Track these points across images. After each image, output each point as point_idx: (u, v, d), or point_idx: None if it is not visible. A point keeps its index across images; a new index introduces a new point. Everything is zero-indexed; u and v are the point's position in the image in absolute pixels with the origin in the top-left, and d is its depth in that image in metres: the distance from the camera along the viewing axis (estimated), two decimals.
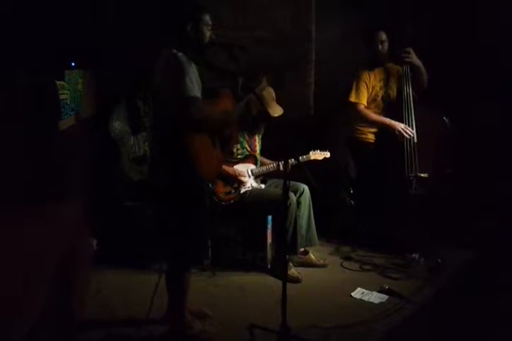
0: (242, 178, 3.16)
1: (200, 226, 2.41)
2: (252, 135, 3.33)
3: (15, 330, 1.44)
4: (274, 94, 3.22)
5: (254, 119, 3.23)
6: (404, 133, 3.33)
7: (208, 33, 2.29)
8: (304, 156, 3.30)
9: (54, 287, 1.99)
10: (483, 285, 2.85)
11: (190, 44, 2.27)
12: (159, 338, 2.38)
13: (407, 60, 3.37)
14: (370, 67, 3.54)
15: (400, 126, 3.35)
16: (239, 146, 3.27)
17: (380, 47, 3.48)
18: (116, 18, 3.49)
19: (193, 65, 2.24)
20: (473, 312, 2.58)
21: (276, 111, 3.16)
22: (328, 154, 3.39)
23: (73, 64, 2.58)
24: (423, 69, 3.41)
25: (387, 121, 3.42)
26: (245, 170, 3.24)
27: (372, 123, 3.51)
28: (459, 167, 3.43)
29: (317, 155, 3.35)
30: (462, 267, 3.18)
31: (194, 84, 2.18)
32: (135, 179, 3.37)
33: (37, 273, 1.78)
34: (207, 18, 2.29)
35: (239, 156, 3.26)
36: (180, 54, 2.20)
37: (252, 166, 3.29)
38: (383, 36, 3.47)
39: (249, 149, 3.31)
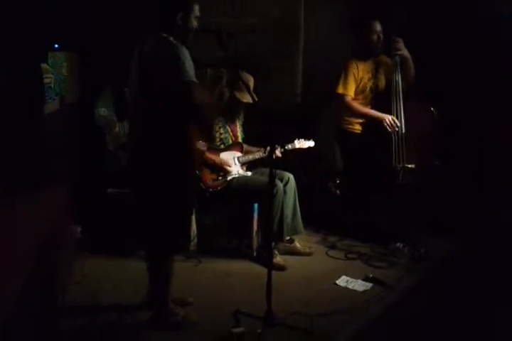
0: (228, 167, 3.15)
1: (182, 213, 2.38)
2: (232, 120, 3.30)
3: None
4: (251, 82, 3.17)
5: (231, 105, 3.20)
6: (390, 126, 3.33)
7: (195, 24, 2.30)
8: (290, 145, 3.31)
9: (37, 272, 1.96)
10: (465, 274, 2.89)
11: (178, 32, 2.26)
12: (143, 324, 2.37)
13: (397, 52, 3.35)
14: (361, 58, 3.50)
15: (387, 117, 3.35)
16: (222, 131, 3.24)
17: (374, 38, 3.41)
18: (106, 3, 3.42)
19: (185, 49, 2.22)
20: (455, 301, 2.61)
21: (246, 97, 3.12)
22: (312, 143, 3.40)
23: (57, 46, 2.52)
24: (411, 62, 3.39)
25: (374, 113, 3.41)
26: (232, 158, 3.23)
27: (359, 115, 3.51)
28: (448, 159, 3.45)
29: (302, 144, 3.36)
30: (445, 256, 3.22)
31: (191, 68, 2.16)
32: (120, 166, 3.33)
33: (14, 260, 1.75)
34: (196, 8, 2.30)
35: (223, 142, 3.24)
36: (171, 38, 2.19)
37: (239, 154, 3.27)
38: (378, 26, 3.40)
39: (231, 134, 3.29)
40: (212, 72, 3.10)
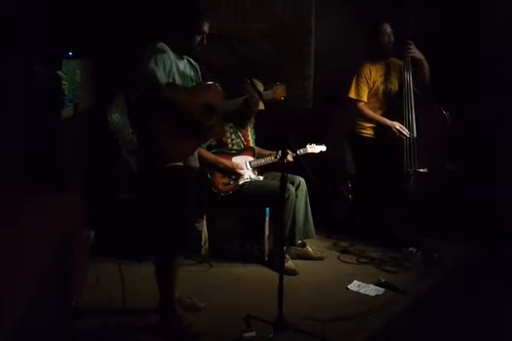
0: (240, 171, 3.17)
1: (181, 213, 2.37)
2: (243, 126, 3.32)
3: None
4: (261, 88, 3.19)
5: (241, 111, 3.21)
6: (399, 134, 3.33)
7: (197, 39, 2.32)
8: (301, 150, 3.32)
9: (51, 277, 1.99)
10: (478, 279, 2.86)
11: (179, 45, 2.31)
12: (153, 328, 2.39)
13: (409, 54, 3.35)
14: (373, 61, 3.50)
15: (395, 125, 3.35)
16: (233, 136, 3.27)
17: (385, 39, 3.42)
18: (118, 10, 3.47)
19: (170, 54, 2.25)
20: (468, 307, 2.59)
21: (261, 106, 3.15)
22: (324, 148, 3.40)
23: (71, 54, 2.57)
24: (425, 62, 3.38)
25: (384, 120, 3.41)
26: (243, 162, 3.24)
27: (370, 121, 3.51)
28: (462, 164, 3.42)
29: (314, 148, 3.36)
30: (458, 261, 3.19)
31: (159, 68, 2.18)
32: (133, 171, 3.37)
33: (29, 263, 1.78)
34: (205, 26, 2.30)
35: (234, 147, 3.27)
36: (161, 44, 2.24)
37: (251, 158, 3.29)
38: (388, 28, 3.41)
39: (242, 139, 3.31)
40: (249, 87, 3.13)
